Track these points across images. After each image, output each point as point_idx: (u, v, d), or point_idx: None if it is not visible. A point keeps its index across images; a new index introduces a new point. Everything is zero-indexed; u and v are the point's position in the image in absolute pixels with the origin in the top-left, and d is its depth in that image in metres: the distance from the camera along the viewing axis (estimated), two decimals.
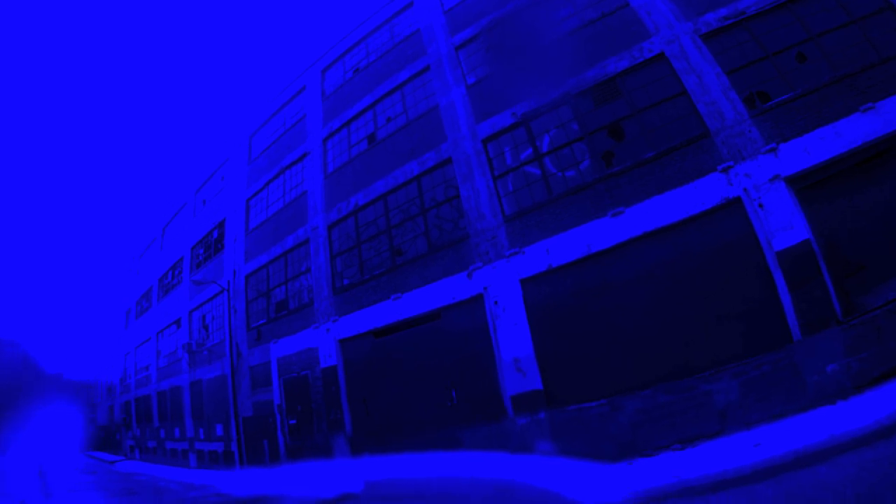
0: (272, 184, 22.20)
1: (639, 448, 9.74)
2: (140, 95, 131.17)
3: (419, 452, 13.19)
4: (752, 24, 10.99)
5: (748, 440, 7.84)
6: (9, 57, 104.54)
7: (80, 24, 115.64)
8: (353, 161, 17.82)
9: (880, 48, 9.73)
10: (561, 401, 11.16)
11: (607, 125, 11.85)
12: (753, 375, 9.06)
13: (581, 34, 13.17)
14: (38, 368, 68.84)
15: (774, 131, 9.98)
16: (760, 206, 9.67)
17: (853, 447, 6.10)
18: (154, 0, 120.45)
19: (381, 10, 19.84)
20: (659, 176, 10.76)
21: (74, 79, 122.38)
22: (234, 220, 24.32)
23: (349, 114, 18.63)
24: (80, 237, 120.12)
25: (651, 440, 9.68)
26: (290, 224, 19.78)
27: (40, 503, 14.20)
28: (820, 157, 9.54)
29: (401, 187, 15.69)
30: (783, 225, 9.44)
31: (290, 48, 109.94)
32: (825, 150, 9.51)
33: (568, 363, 11.28)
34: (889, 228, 8.95)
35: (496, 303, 12.43)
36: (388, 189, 15.96)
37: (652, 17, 12.08)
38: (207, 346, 24.98)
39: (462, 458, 11.60)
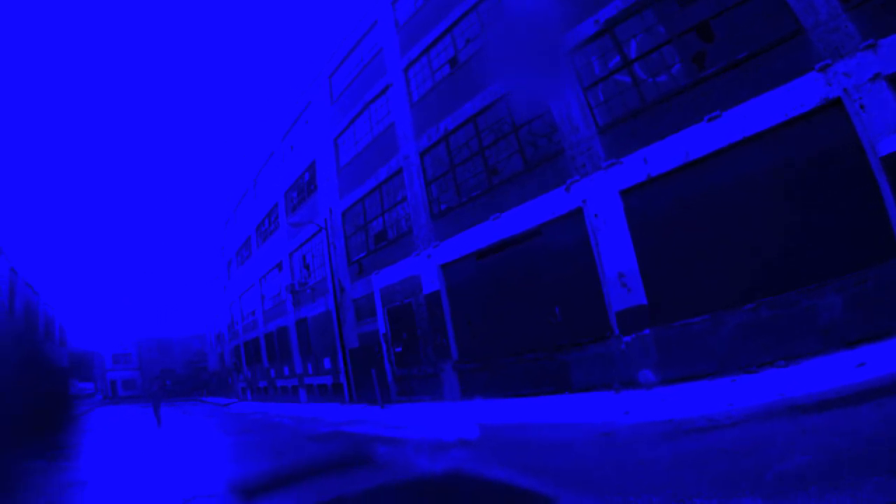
0: (358, 120, 22.67)
1: (741, 365, 9.64)
2: (214, 54, 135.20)
3: (527, 390, 13.65)
4: None
5: (851, 359, 7.51)
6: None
7: None
8: (438, 87, 17.83)
9: None
10: (664, 317, 11.07)
11: (695, 26, 11.12)
12: (857, 291, 8.62)
13: None
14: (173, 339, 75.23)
15: (871, 25, 8.92)
16: (862, 107, 8.82)
17: None
18: None
19: None
20: (754, 77, 10.09)
21: (160, 40, 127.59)
22: (324, 161, 25.15)
23: (427, 41, 18.49)
24: (176, 205, 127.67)
25: (753, 357, 9.54)
26: (381, 156, 20.27)
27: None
28: None
29: (489, 107, 15.58)
30: (887, 128, 8.60)
31: None
32: None
33: (670, 277, 11.12)
34: None
35: (596, 216, 12.32)
36: (477, 110, 15.90)
37: None
38: (310, 285, 26.37)
39: (567, 400, 11.78)
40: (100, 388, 78.55)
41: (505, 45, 15.24)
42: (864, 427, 5.33)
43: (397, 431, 11.99)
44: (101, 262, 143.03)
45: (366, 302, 21.07)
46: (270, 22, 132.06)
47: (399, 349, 18.94)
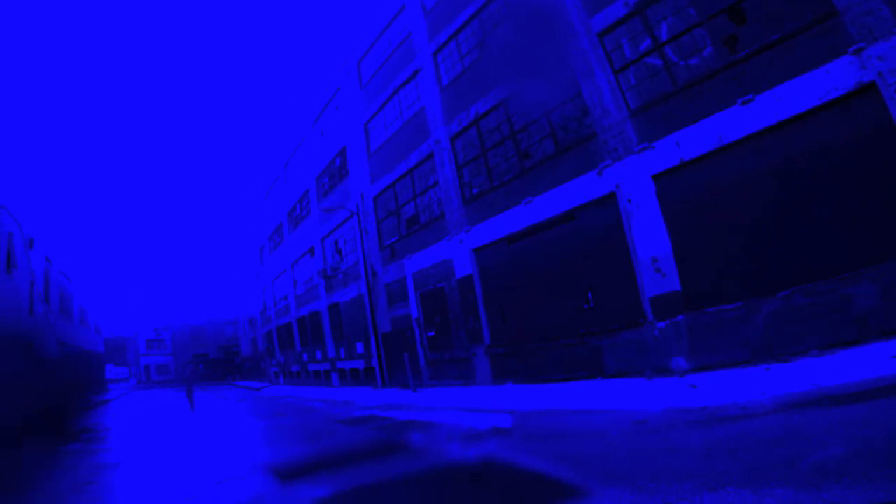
0: (387, 105, 22.96)
1: (775, 353, 9.64)
2: (244, 41, 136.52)
3: (559, 375, 13.84)
4: None
5: (887, 350, 7.49)
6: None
7: None
8: (467, 71, 17.95)
9: None
10: (698, 303, 11.10)
11: (726, 8, 11.00)
12: (893, 279, 8.52)
13: None
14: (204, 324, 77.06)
15: None
16: None
17: None
18: None
19: None
20: (787, 60, 9.97)
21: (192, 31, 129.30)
22: (354, 146, 25.53)
23: (455, 25, 18.57)
24: (209, 193, 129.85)
25: (787, 345, 9.53)
26: (412, 141, 20.56)
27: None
28: None
29: (520, 91, 15.63)
30: None
31: None
32: None
33: (704, 263, 11.13)
34: None
35: (629, 200, 12.37)
36: (508, 94, 15.99)
37: None
38: (342, 270, 26.89)
39: (599, 386, 11.87)
40: (133, 372, 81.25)
41: (532, 30, 15.28)
42: None
43: (430, 415, 12.14)
44: (135, 250, 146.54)
45: (398, 286, 21.49)
46: (300, 8, 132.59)
47: (431, 333, 19.28)
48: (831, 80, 9.37)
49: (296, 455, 9.42)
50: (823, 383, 6.92)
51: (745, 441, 5.60)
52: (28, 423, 17.40)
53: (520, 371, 15.20)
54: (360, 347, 25.59)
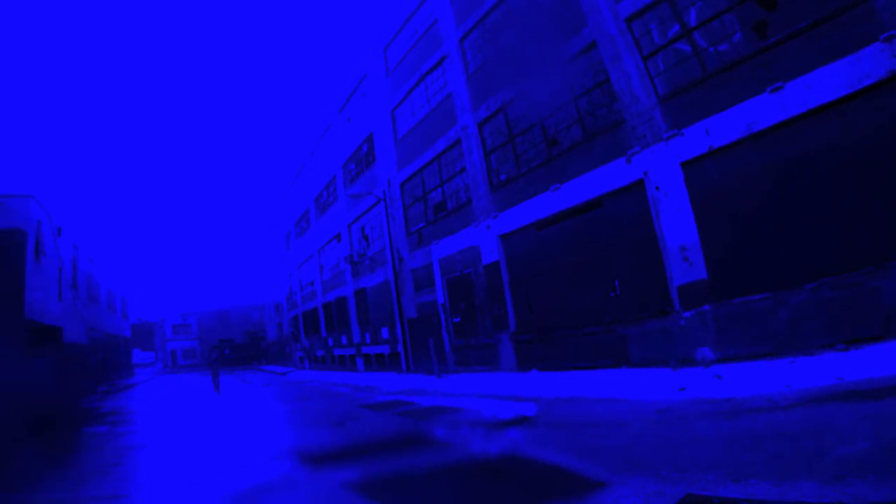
0: (414, 91, 23.19)
1: (800, 346, 9.62)
2: (271, 29, 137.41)
3: (583, 363, 14.00)
4: None
5: None
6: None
7: None
8: (494, 57, 18.03)
9: None
10: (725, 293, 11.13)
11: None
12: None
13: None
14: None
15: None
16: None
17: None
18: None
19: None
20: (817, 47, 9.84)
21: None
22: (381, 132, 25.83)
23: (482, 11, 18.61)
24: (237, 180, 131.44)
25: (813, 339, 9.51)
26: (439, 127, 20.79)
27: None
28: None
29: (548, 76, 15.67)
30: None
31: None
32: None
33: (731, 252, 11.13)
34: None
35: (657, 188, 12.40)
36: (535, 80, 16.04)
37: None
38: (368, 256, 27.31)
39: (624, 375, 11.98)
40: (160, 357, 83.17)
41: (559, 15, 15.29)
42: None
43: (454, 402, 12.31)
44: (163, 237, 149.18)
45: (424, 272, 21.83)
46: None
47: (457, 319, 19.57)
48: (862, 67, 9.28)
49: (321, 439, 9.57)
50: (849, 378, 6.94)
51: (770, 433, 5.64)
52: (55, 406, 18.06)
53: (544, 358, 15.41)
54: (385, 333, 26.03)
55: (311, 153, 38.17)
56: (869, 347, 8.48)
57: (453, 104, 19.94)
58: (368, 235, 27.99)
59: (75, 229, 28.57)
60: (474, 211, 18.51)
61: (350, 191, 29.07)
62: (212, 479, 6.93)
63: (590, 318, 14.05)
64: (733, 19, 11.33)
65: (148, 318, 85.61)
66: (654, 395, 9.09)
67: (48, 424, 14.30)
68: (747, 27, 11.10)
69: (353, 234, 30.05)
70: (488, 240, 17.64)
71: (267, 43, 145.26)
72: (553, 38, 15.42)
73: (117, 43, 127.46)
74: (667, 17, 12.56)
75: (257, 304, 73.20)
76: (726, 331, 11.00)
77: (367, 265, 27.75)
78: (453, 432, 8.58)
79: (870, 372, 6.94)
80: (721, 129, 11.20)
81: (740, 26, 11.22)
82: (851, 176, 9.48)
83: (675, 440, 6.11)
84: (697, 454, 5.29)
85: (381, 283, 26.30)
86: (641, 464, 5.26)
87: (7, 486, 7.13)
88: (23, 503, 6.37)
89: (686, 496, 4.12)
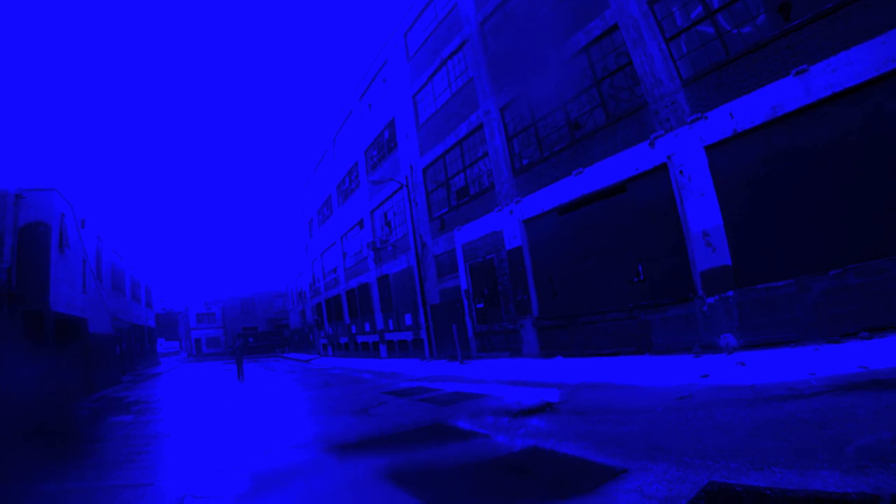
0: (435, 76, 23.36)
1: (824, 334, 9.67)
2: (289, 16, 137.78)
3: (607, 349, 14.17)
4: None
5: None
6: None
7: None
8: (516, 40, 18.08)
9: None
10: (748, 279, 11.19)
11: None
12: None
13: None
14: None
15: None
16: None
17: None
18: None
19: None
20: (843, 29, 9.76)
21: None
22: (403, 118, 26.08)
23: None
24: (258, 168, 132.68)
25: (838, 326, 9.54)
26: (461, 112, 20.98)
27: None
28: None
29: (570, 60, 15.78)
30: None
31: None
32: None
33: (755, 237, 11.17)
34: None
35: (681, 172, 12.43)
36: (557, 63, 16.06)
37: None
38: (391, 242, 27.66)
39: (646, 361, 12.05)
40: (184, 346, 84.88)
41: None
42: None
43: (478, 388, 12.40)
44: (187, 227, 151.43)
45: (447, 258, 22.14)
46: None
47: (480, 305, 19.82)
48: (888, 50, 9.24)
49: (345, 426, 9.62)
50: (873, 366, 6.96)
51: (793, 421, 5.65)
52: (79, 396, 18.68)
53: (567, 344, 15.62)
54: (408, 319, 26.41)
55: (333, 140, 38.59)
56: (894, 336, 8.50)
57: (475, 88, 20.08)
58: (391, 222, 28.36)
59: (99, 221, 29.34)
60: (497, 196, 18.71)
61: (372, 177, 29.40)
62: (236, 465, 7.08)
63: (613, 303, 14.21)
64: (757, 1, 11.33)
65: (172, 308, 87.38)
66: (677, 381, 9.15)
67: (72, 414, 14.74)
68: (772, 9, 11.05)
69: (376, 221, 30.45)
70: (511, 225, 17.84)
71: (288, 31, 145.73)
72: (574, 21, 15.46)
73: (140, 36, 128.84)
74: None
75: (280, 292, 74.34)
76: (749, 317, 11.07)
77: (390, 251, 28.14)
78: (478, 419, 8.60)
79: (895, 361, 6.98)
80: (745, 113, 11.20)
81: (764, 8, 11.19)
82: (877, 161, 9.47)
83: (698, 427, 6.15)
84: (720, 441, 5.37)
85: (404, 270, 26.68)
86: (664, 450, 5.37)
87: (34, 476, 7.28)
88: (50, 492, 6.50)
89: (708, 483, 4.20)
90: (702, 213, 12.02)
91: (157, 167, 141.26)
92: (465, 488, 5.30)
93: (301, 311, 54.33)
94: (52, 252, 18.56)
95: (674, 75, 12.79)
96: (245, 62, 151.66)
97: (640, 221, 13.68)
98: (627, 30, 13.82)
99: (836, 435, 4.86)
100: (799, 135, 10.49)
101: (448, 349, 21.48)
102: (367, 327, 32.68)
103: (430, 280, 23.54)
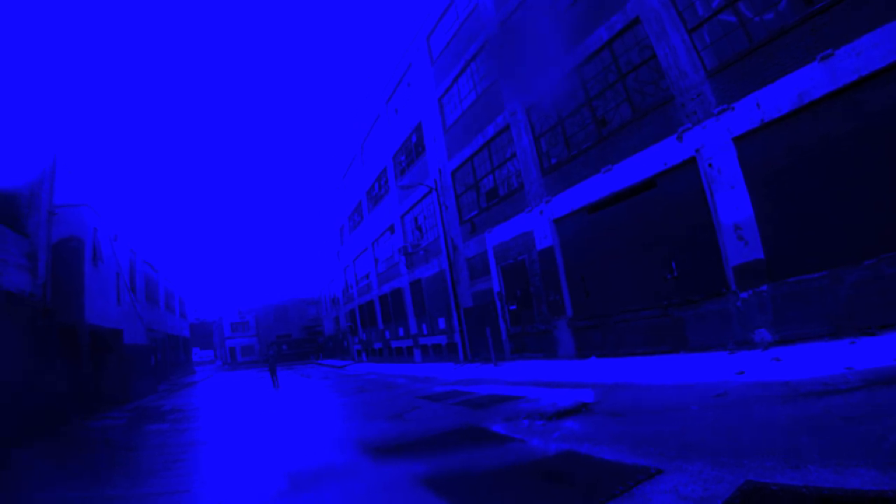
0: (460, 78, 23.70)
1: (860, 326, 9.53)
2: (314, 25, 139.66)
3: (641, 348, 14.22)
4: None
5: None
6: None
7: None
8: (540, 38, 18.24)
9: None
10: (781, 272, 11.11)
11: None
12: None
13: None
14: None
15: None
16: None
17: None
18: None
19: None
20: (867, 12, 9.57)
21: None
22: (429, 121, 26.48)
23: None
24: (290, 176, 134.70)
25: (873, 318, 9.41)
26: (488, 113, 21.27)
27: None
28: None
29: (593, 56, 15.93)
30: None
31: None
32: None
33: (786, 230, 11.09)
34: None
35: (710, 164, 12.39)
36: (581, 60, 16.28)
37: None
38: (422, 246, 28.06)
39: (681, 360, 12.02)
40: (219, 355, 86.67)
41: None
42: None
43: (512, 389, 12.46)
44: (220, 237, 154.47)
45: (479, 260, 22.41)
46: None
47: (513, 307, 20.03)
48: None
49: (381, 431, 9.74)
50: None
51: (829, 418, 5.59)
52: (116, 405, 19.31)
53: (602, 344, 15.72)
54: (441, 323, 26.74)
55: (361, 146, 39.26)
56: None
57: (500, 89, 20.32)
58: (422, 226, 28.80)
59: (132, 234, 30.26)
60: (526, 196, 18.91)
61: (401, 182, 29.89)
62: (273, 469, 7.32)
63: (646, 301, 14.26)
64: None
65: (206, 318, 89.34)
66: (712, 378, 9.15)
67: (111, 424, 15.22)
68: None
69: (407, 225, 30.93)
70: (542, 225, 18.03)
71: (313, 38, 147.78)
72: (595, 17, 15.58)
73: (168, 48, 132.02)
74: None
75: (313, 299, 75.46)
76: (784, 311, 11.02)
77: (422, 256, 28.54)
78: (512, 422, 8.62)
79: None
80: (772, 102, 11.14)
81: None
82: None
83: (733, 425, 6.15)
84: (755, 439, 5.33)
85: (436, 274, 27.05)
86: (699, 449, 5.37)
87: (71, 484, 7.53)
88: (88, 500, 6.70)
89: (745, 483, 4.20)
90: (732, 206, 11.99)
91: (189, 179, 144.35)
92: (498, 494, 5.34)
93: (335, 317, 55.09)
94: (85, 266, 19.32)
95: (698, 67, 12.79)
96: (275, 72, 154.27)
97: (670, 217, 13.69)
98: (649, 22, 13.86)
99: (872, 431, 4.83)
100: (827, 122, 10.40)
101: (482, 352, 21.74)
102: (401, 332, 33.14)
103: (462, 283, 23.83)
